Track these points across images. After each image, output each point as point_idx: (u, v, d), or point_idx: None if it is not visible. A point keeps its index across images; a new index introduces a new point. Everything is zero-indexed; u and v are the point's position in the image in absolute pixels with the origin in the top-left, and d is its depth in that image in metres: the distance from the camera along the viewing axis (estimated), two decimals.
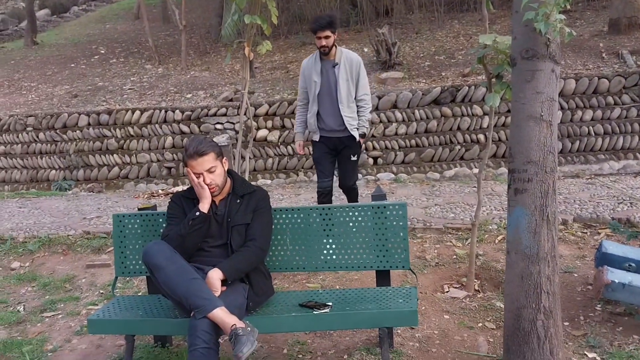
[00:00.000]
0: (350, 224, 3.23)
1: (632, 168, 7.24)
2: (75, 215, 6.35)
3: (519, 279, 2.73)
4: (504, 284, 2.97)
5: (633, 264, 3.44)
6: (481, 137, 8.28)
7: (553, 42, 2.60)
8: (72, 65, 13.53)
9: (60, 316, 4.04)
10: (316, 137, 4.60)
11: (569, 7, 2.56)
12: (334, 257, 3.23)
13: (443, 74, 9.36)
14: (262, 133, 8.82)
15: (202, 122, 9.03)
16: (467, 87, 8.42)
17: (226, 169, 3.05)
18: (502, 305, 3.24)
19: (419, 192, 6.38)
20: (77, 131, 9.51)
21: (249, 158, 4.45)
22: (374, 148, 8.53)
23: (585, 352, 3.11)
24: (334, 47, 4.47)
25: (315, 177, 5.76)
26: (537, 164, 2.64)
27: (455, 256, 4.42)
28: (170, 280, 2.69)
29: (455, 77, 9.07)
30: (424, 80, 9.21)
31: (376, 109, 8.54)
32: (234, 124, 8.92)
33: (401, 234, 3.17)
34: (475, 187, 4.00)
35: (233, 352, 2.49)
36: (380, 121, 8.57)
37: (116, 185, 9.19)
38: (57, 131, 9.59)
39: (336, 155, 4.63)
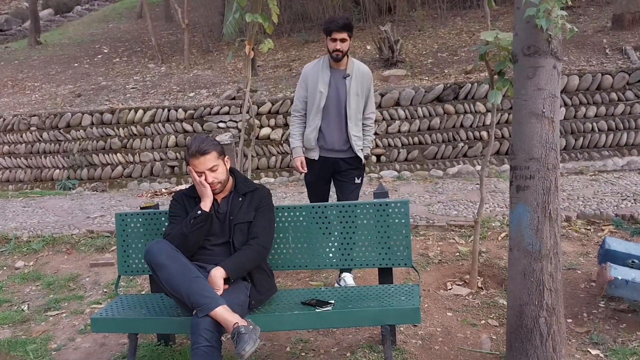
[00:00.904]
0: (353, 222, 3.23)
1: (636, 164, 7.22)
2: (79, 215, 6.36)
3: (522, 276, 2.72)
4: (507, 281, 2.97)
5: (636, 261, 3.43)
6: (484, 134, 8.27)
7: (554, 38, 2.59)
8: (76, 64, 13.56)
9: (64, 315, 4.06)
10: (314, 156, 3.97)
11: (570, 3, 2.55)
12: (337, 255, 3.23)
13: (446, 71, 9.34)
14: (265, 131, 8.82)
15: (205, 121, 9.04)
16: (470, 84, 8.40)
17: (228, 167, 3.06)
18: (505, 303, 3.24)
19: (422, 190, 6.37)
20: (81, 130, 9.53)
21: (252, 156, 4.45)
22: (377, 146, 8.53)
23: (589, 349, 3.10)
24: (346, 54, 3.90)
25: None
26: (539, 160, 2.64)
27: (458, 253, 4.42)
28: (172, 279, 2.70)
29: (458, 74, 9.06)
30: (427, 78, 9.19)
31: (379, 106, 8.52)
32: (236, 122, 8.92)
33: (403, 232, 3.17)
34: (478, 184, 3.99)
35: (235, 350, 2.50)
36: (383, 119, 8.56)
37: (120, 184, 9.21)
38: (61, 130, 9.61)
39: (330, 179, 4.08)
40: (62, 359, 3.46)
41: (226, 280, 2.80)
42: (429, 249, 4.53)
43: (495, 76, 3.46)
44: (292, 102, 8.79)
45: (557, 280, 2.72)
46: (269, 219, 3.05)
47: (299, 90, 4.00)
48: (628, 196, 5.33)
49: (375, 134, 8.49)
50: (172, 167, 9.17)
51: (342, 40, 3.79)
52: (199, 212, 2.89)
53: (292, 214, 3.29)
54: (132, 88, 10.94)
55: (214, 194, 2.97)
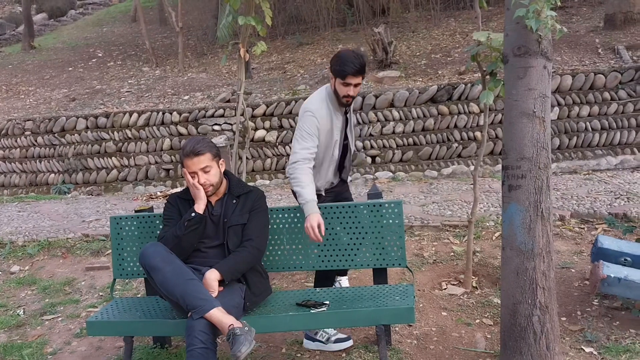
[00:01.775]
0: (347, 223, 3.24)
1: (629, 163, 7.25)
2: (75, 219, 6.36)
3: (515, 275, 2.74)
4: (500, 280, 2.98)
5: (629, 259, 3.46)
6: (478, 134, 8.29)
7: (544, 38, 2.61)
8: (70, 68, 13.54)
9: (60, 319, 4.06)
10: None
11: (560, 3, 2.58)
12: (331, 256, 3.24)
13: (439, 72, 9.37)
14: (260, 133, 8.82)
15: (200, 124, 9.04)
16: (464, 85, 8.43)
17: (223, 170, 3.06)
18: (500, 302, 3.26)
19: (417, 190, 6.39)
20: (76, 134, 9.51)
21: (247, 159, 4.45)
22: (372, 147, 8.54)
23: (582, 347, 3.12)
24: None
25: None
26: (531, 160, 2.66)
27: (452, 253, 4.43)
28: (167, 282, 2.71)
29: (452, 75, 9.08)
30: (421, 79, 9.22)
31: (373, 107, 8.55)
32: (231, 124, 8.92)
33: (397, 232, 3.19)
34: (472, 184, 4.01)
35: (231, 352, 2.51)
36: (378, 120, 8.58)
37: (115, 187, 9.20)
38: (56, 135, 9.60)
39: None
40: None
41: (221, 282, 2.81)
42: (423, 249, 4.55)
43: (487, 77, 3.49)
44: (286, 105, 8.87)
45: (550, 278, 2.74)
46: (263, 221, 3.06)
47: (310, 137, 3.17)
48: (621, 195, 5.36)
49: (370, 135, 8.52)
50: (167, 170, 9.16)
51: (356, 85, 3.21)
52: (193, 214, 2.90)
53: (286, 215, 3.30)
54: (126, 91, 10.93)
55: (207, 196, 2.98)
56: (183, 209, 3.01)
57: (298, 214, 3.27)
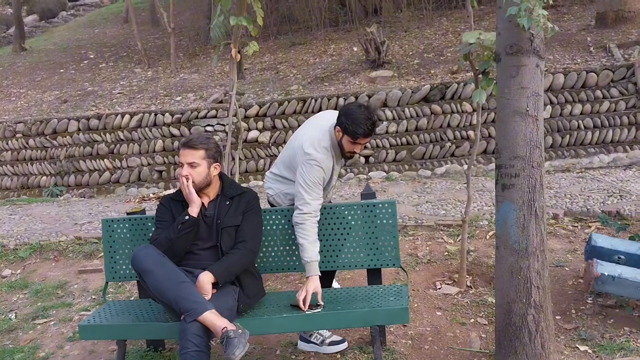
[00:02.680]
0: (340, 223, 3.23)
1: (621, 161, 7.27)
2: (67, 221, 6.32)
3: (509, 274, 2.74)
4: (494, 280, 2.98)
5: (622, 257, 3.46)
6: (471, 133, 8.29)
7: (537, 37, 2.61)
8: (62, 70, 13.47)
9: (52, 323, 4.02)
10: None
11: (551, 2, 2.57)
12: (325, 256, 3.23)
13: (432, 71, 9.37)
14: (253, 134, 8.80)
15: (192, 125, 9.00)
16: (456, 84, 8.43)
17: (216, 174, 3.02)
18: (494, 301, 3.25)
19: (411, 190, 6.39)
20: (67, 137, 9.45)
21: (240, 159, 4.43)
22: (365, 147, 8.52)
23: (577, 345, 3.13)
24: None
25: None
26: (524, 158, 2.65)
27: (446, 253, 4.43)
28: (159, 284, 2.69)
29: (445, 75, 9.08)
30: (414, 79, 9.21)
31: None
32: (224, 125, 8.89)
33: (391, 232, 3.18)
34: (466, 183, 4.01)
35: (225, 354, 2.49)
36: None
37: (107, 190, 9.14)
38: (47, 137, 9.54)
39: None
40: None
41: (214, 285, 2.79)
42: (417, 249, 4.54)
43: (480, 76, 3.48)
44: (279, 105, 8.85)
45: (544, 277, 2.74)
46: (256, 223, 3.05)
47: (318, 187, 3.12)
48: (614, 192, 5.37)
49: None
50: (160, 171, 9.12)
51: (364, 145, 3.24)
52: (187, 217, 2.87)
53: (279, 216, 3.29)
54: (118, 93, 10.87)
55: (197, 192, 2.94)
56: (176, 210, 2.98)
57: (291, 215, 3.25)
